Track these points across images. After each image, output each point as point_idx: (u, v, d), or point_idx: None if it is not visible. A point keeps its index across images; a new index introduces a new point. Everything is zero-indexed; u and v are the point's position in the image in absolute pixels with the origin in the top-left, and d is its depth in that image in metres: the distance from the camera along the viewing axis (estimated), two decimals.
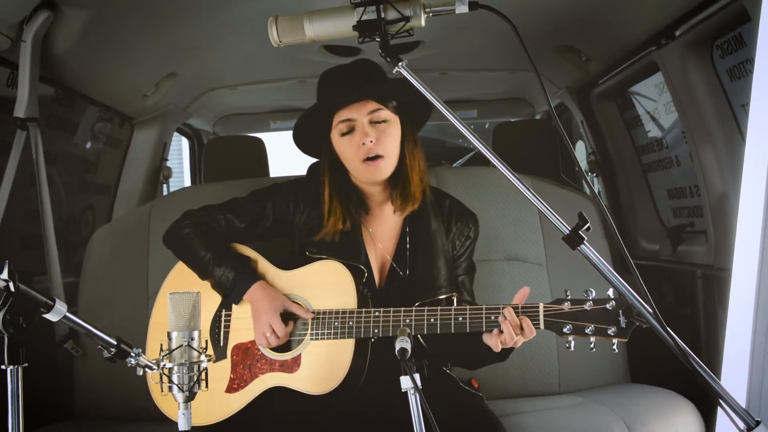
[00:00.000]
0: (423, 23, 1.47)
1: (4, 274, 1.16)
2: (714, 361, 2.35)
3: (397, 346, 1.41)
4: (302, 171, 2.62)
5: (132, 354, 1.39)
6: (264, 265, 2.09)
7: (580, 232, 1.37)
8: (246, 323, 2.01)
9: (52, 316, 1.24)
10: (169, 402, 2.04)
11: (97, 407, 2.38)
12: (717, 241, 2.56)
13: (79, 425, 2.34)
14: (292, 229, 2.12)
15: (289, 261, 2.09)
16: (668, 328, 1.35)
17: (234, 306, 2.04)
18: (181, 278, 2.14)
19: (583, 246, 1.37)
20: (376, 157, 1.94)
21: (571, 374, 2.42)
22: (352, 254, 2.01)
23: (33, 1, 2.03)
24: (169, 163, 3.73)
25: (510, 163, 2.77)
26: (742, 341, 1.76)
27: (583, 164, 4.38)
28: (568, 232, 1.38)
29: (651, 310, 1.36)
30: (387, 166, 1.96)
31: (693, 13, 2.33)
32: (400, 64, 1.44)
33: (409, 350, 1.40)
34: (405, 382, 1.40)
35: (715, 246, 2.57)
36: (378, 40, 1.46)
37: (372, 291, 2.01)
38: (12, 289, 1.16)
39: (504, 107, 4.40)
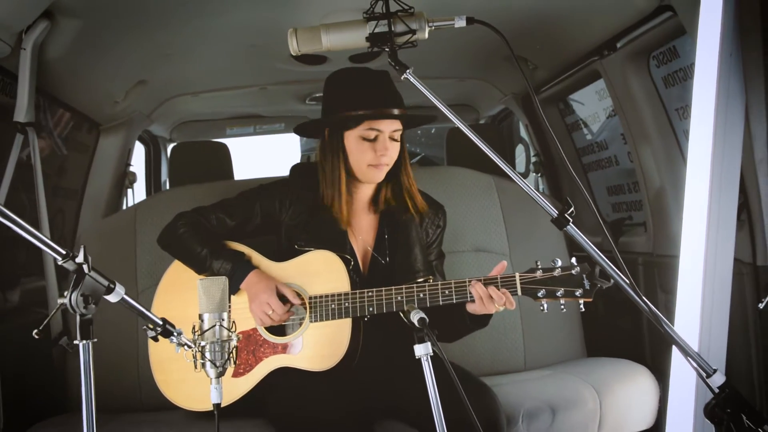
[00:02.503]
0: (426, 36, 1.68)
1: (80, 258, 1.29)
2: (657, 335, 2.65)
3: (415, 317, 1.59)
4: (262, 175, 2.80)
5: (174, 333, 1.52)
6: (258, 258, 2.24)
7: (566, 215, 1.60)
8: (245, 313, 2.16)
9: (112, 298, 1.36)
10: (175, 390, 2.19)
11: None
12: (656, 231, 2.85)
13: (75, 418, 2.42)
14: (278, 226, 2.28)
15: (275, 255, 2.25)
16: (642, 296, 1.58)
17: (232, 297, 2.19)
18: (178, 275, 2.28)
19: (569, 227, 1.60)
20: (382, 165, 2.15)
21: (535, 352, 2.67)
22: (337, 246, 2.19)
23: (35, 11, 2.12)
24: None
25: (466, 164, 3.01)
26: (692, 315, 2.02)
27: (521, 165, 4.67)
28: (556, 215, 1.60)
29: (628, 281, 1.59)
30: (385, 171, 2.19)
31: (633, 27, 2.59)
32: (407, 71, 1.64)
33: (427, 320, 1.59)
34: (419, 350, 1.58)
35: (654, 235, 2.86)
36: (387, 50, 1.65)
37: (358, 277, 2.20)
38: (86, 270, 1.29)
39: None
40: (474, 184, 2.86)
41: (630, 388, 2.29)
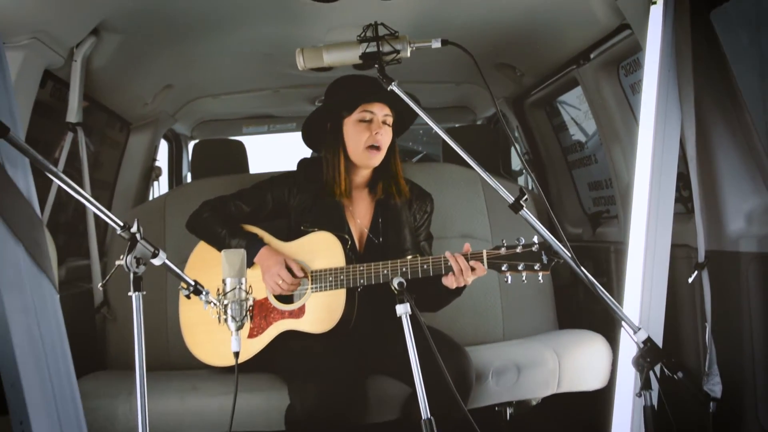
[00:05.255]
0: (408, 54, 2.06)
1: (134, 228, 1.67)
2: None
3: (395, 282, 1.95)
4: (274, 169, 3.17)
5: (203, 293, 1.90)
6: (269, 238, 2.63)
7: (521, 201, 1.96)
8: (258, 284, 2.54)
9: (156, 261, 1.75)
10: (201, 349, 2.58)
11: (126, 360, 2.85)
12: (626, 222, 3.19)
13: (112, 373, 2.82)
14: (287, 211, 2.67)
15: (285, 236, 2.64)
16: (581, 266, 1.94)
17: (248, 271, 2.57)
18: (202, 255, 2.67)
19: (523, 211, 1.96)
20: (378, 148, 2.52)
21: (512, 325, 3.04)
22: (337, 227, 2.57)
23: (86, 29, 2.52)
24: None
25: (461, 161, 3.37)
26: (636, 291, 2.37)
27: (516, 163, 5.02)
28: (512, 201, 1.97)
29: (570, 254, 1.96)
30: (380, 157, 2.56)
31: (603, 41, 2.94)
32: (393, 83, 2.02)
33: (405, 283, 1.95)
34: (399, 309, 1.94)
35: (624, 226, 3.20)
36: (377, 66, 2.03)
37: (355, 255, 2.57)
38: (138, 238, 1.67)
39: (450, 114, 4.99)
40: (462, 179, 3.23)
41: (586, 352, 2.66)
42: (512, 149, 4.96)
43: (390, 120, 2.58)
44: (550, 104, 3.99)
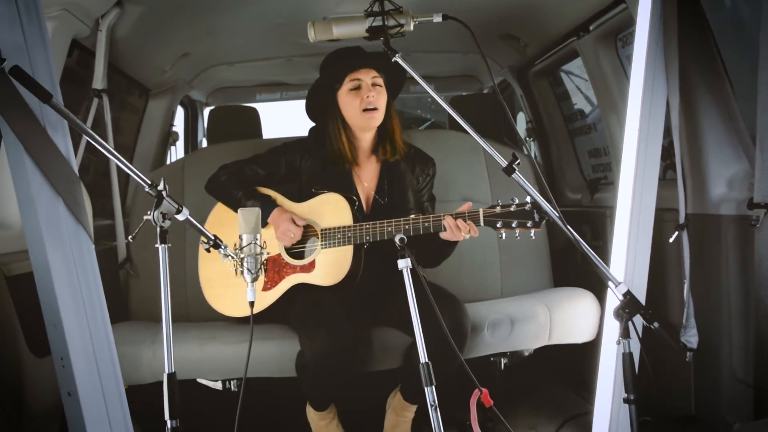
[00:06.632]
0: (412, 28, 2.21)
1: (161, 186, 1.86)
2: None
3: (397, 238, 2.14)
4: (286, 135, 3.34)
5: (222, 246, 2.09)
6: (282, 200, 2.82)
7: (513, 165, 2.13)
8: (272, 242, 2.73)
9: (180, 217, 1.92)
10: (218, 301, 2.78)
11: (147, 312, 3.09)
12: None
13: (136, 324, 3.04)
14: (299, 175, 2.85)
15: (297, 198, 2.82)
16: (567, 224, 2.11)
17: (262, 230, 2.75)
18: (220, 216, 2.86)
19: (515, 174, 2.13)
20: (374, 109, 2.69)
21: (510, 283, 3.24)
22: (346, 189, 2.75)
23: (111, 0, 2.69)
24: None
25: (464, 129, 3.53)
26: (622, 252, 2.54)
27: (523, 131, 5.17)
28: (505, 164, 2.13)
29: (558, 213, 2.12)
30: (379, 117, 2.72)
31: (601, 13, 3.08)
32: (397, 55, 2.18)
33: (406, 239, 2.13)
34: (401, 263, 2.13)
35: None
36: (382, 39, 2.19)
37: (362, 215, 2.76)
38: (164, 196, 1.86)
39: (457, 83, 5.13)
40: (466, 145, 3.39)
41: (576, 307, 2.82)
42: (517, 117, 5.11)
43: (380, 81, 2.73)
44: (553, 74, 4.12)
